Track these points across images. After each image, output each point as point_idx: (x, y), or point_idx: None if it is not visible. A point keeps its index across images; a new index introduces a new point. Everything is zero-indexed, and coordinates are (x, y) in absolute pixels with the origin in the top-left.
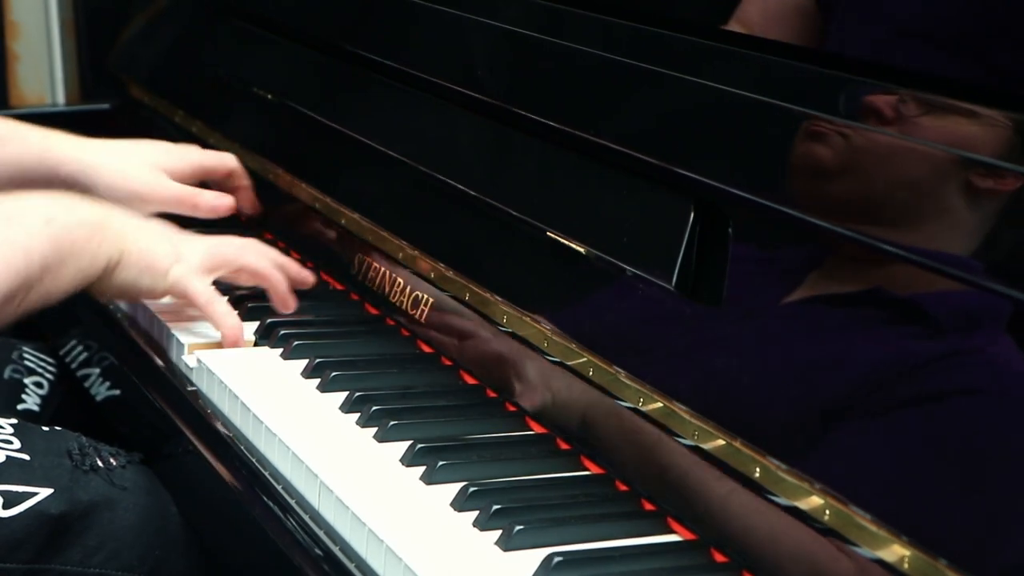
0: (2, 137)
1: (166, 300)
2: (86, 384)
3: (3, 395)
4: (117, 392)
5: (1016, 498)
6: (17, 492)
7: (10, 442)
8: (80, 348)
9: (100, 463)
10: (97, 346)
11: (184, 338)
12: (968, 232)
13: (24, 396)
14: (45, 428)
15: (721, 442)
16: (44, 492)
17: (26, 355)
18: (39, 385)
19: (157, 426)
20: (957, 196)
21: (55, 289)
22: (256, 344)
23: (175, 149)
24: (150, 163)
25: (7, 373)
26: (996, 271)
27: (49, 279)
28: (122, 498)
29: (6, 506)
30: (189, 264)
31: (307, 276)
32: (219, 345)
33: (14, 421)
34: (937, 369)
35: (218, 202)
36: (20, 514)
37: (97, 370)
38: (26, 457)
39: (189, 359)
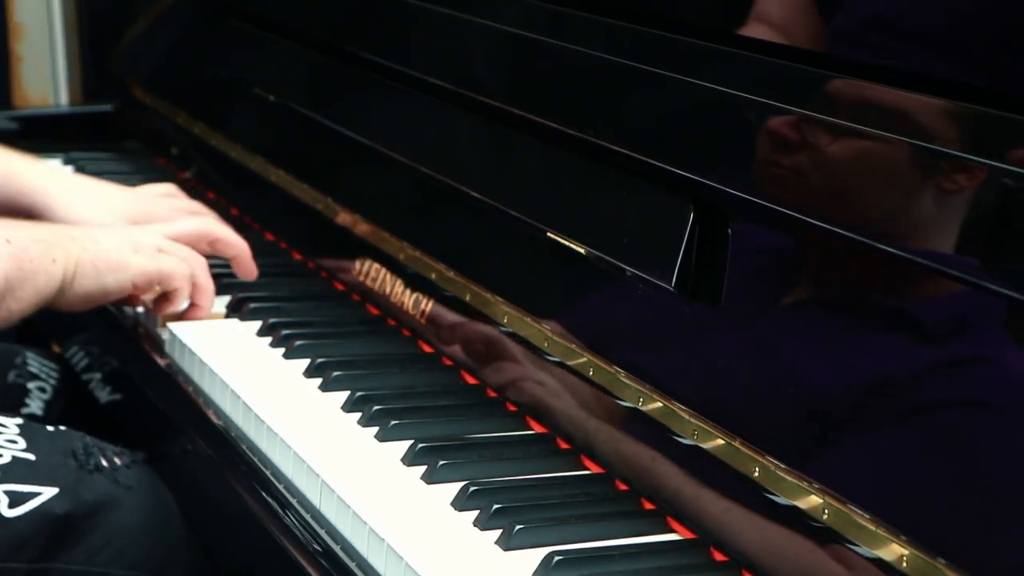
0: None
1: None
2: (88, 388)
3: (7, 400)
4: (118, 397)
5: (1014, 498)
6: (22, 492)
7: (15, 442)
8: (81, 353)
9: (105, 462)
10: (98, 351)
11: (186, 337)
12: (974, 233)
13: (28, 401)
14: (50, 428)
15: (720, 442)
16: (49, 492)
17: (29, 360)
18: (42, 390)
19: (159, 429)
20: (961, 198)
21: (16, 309)
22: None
23: (143, 200)
24: (118, 214)
25: (10, 378)
26: (995, 271)
27: (11, 298)
28: (126, 497)
29: (11, 505)
30: (148, 249)
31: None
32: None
33: (20, 421)
34: (935, 375)
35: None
36: (25, 514)
37: (98, 375)
38: (31, 457)
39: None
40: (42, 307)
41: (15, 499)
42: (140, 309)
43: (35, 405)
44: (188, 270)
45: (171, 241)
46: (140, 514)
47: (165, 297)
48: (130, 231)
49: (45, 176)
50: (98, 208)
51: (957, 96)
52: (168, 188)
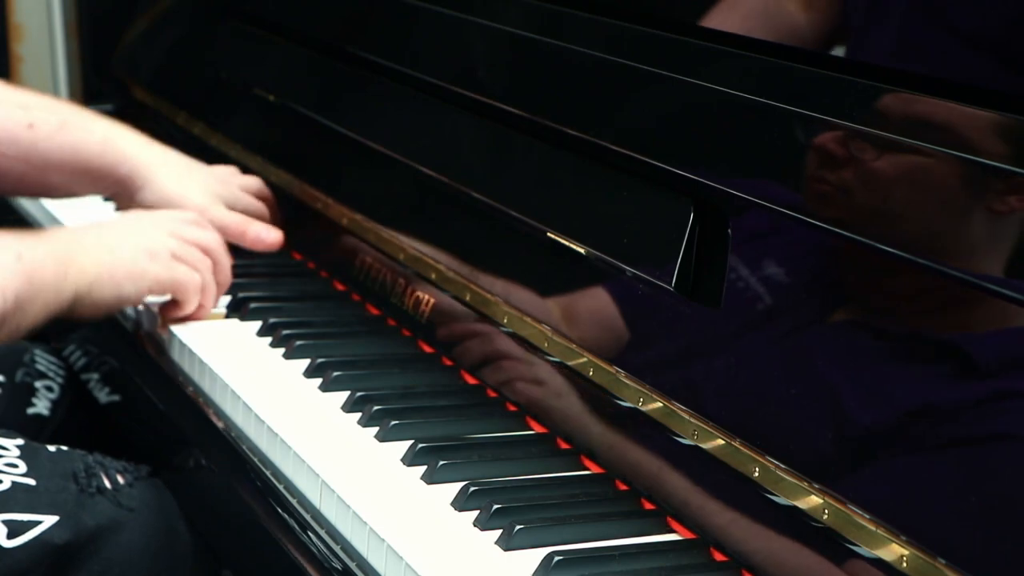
0: (65, 122)
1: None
2: (87, 388)
3: (14, 399)
4: (117, 397)
5: (1015, 500)
6: (22, 521)
7: (15, 466)
8: (79, 353)
9: (107, 483)
10: (97, 350)
11: (186, 337)
12: (977, 239)
13: (34, 400)
14: (51, 448)
15: (720, 442)
16: (49, 520)
17: (37, 358)
18: (49, 389)
19: (159, 431)
20: (964, 203)
21: (24, 324)
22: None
23: (234, 182)
24: (209, 191)
25: (19, 376)
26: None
27: (20, 314)
28: (128, 520)
29: (10, 536)
30: (164, 256)
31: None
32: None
33: (20, 442)
34: (939, 377)
35: (267, 235)
36: (24, 544)
37: (96, 375)
38: (31, 482)
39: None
40: (54, 319)
41: (14, 529)
42: (140, 308)
43: (41, 405)
44: (200, 281)
45: (183, 242)
46: (143, 536)
47: (175, 303)
48: (143, 236)
49: (143, 147)
50: (190, 186)
51: (963, 98)
52: (232, 170)
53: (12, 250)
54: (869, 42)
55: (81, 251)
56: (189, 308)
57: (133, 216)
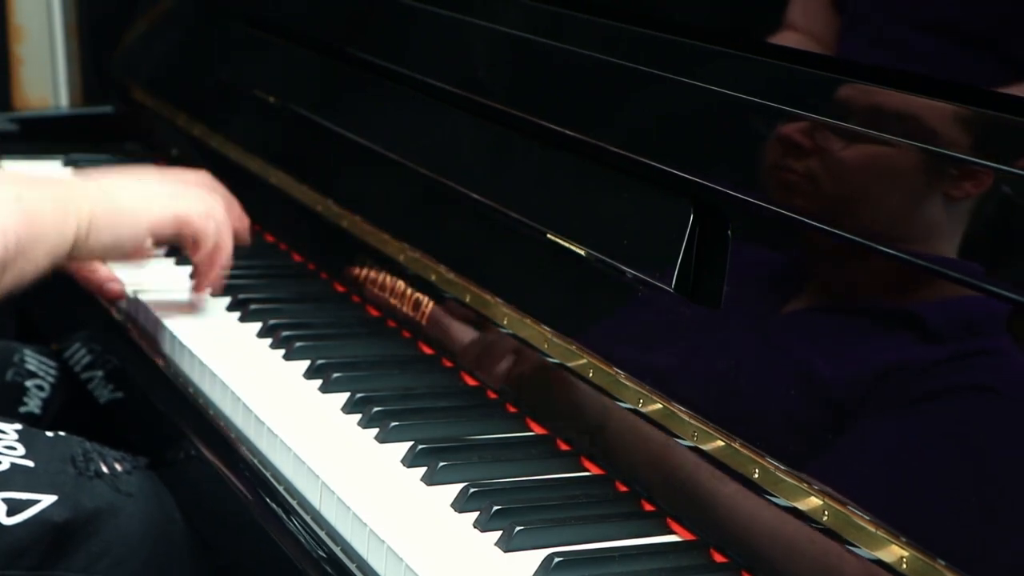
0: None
1: (166, 298)
2: (89, 387)
3: (6, 398)
4: (120, 395)
5: (1015, 498)
6: (21, 499)
7: (14, 448)
8: (84, 351)
9: (105, 468)
10: (101, 349)
11: (186, 338)
12: (973, 236)
13: (25, 399)
14: (49, 434)
15: (720, 443)
16: (48, 499)
17: (27, 358)
18: (40, 388)
19: (159, 431)
20: (961, 201)
21: (29, 269)
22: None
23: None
24: None
25: (8, 376)
26: (997, 273)
27: (23, 259)
28: (127, 504)
29: (10, 513)
30: (164, 196)
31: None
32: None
33: (19, 427)
34: (936, 373)
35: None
36: (24, 522)
37: (100, 373)
38: (30, 464)
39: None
40: (58, 262)
41: (13, 507)
42: (139, 309)
43: (33, 404)
44: (205, 208)
45: (186, 186)
46: (141, 522)
47: (195, 244)
48: (143, 184)
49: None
50: None
51: (962, 100)
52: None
53: (11, 191)
54: (871, 44)
55: (80, 194)
56: (207, 242)
57: (136, 172)
